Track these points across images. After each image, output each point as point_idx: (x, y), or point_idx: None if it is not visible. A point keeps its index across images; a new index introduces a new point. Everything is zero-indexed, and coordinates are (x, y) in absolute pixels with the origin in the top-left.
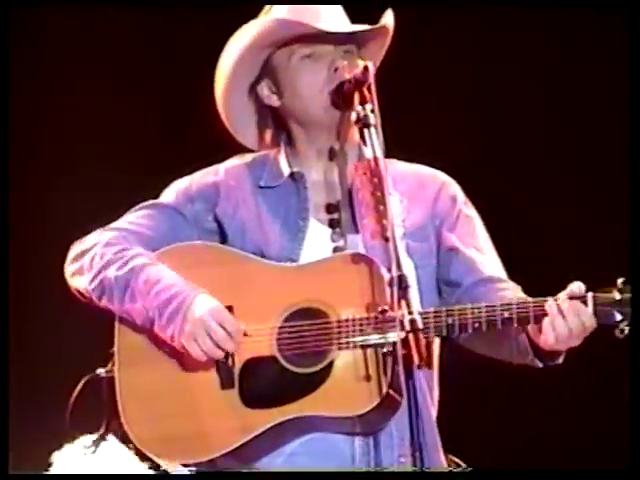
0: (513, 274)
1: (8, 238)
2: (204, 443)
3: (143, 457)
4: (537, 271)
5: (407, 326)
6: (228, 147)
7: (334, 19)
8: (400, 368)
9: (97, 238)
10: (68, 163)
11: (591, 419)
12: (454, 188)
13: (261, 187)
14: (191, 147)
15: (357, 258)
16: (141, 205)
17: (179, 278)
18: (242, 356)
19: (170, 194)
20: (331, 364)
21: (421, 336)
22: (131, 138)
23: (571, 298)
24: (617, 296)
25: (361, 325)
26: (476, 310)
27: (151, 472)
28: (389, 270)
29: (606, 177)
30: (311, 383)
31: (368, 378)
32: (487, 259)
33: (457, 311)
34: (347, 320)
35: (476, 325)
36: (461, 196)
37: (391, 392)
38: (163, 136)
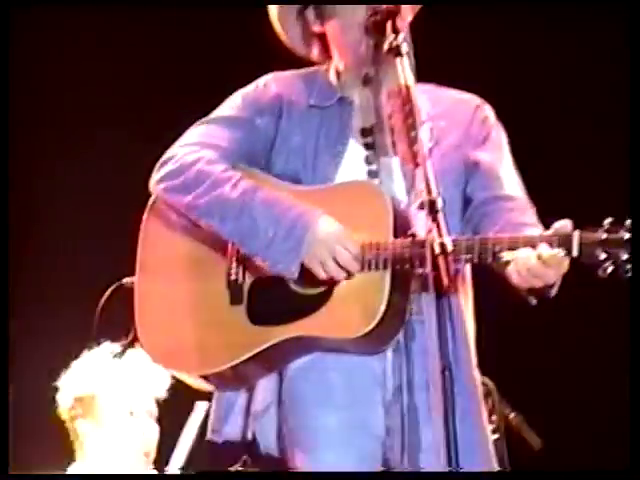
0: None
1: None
2: (210, 356)
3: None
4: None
5: (437, 249)
6: None
7: None
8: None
9: (194, 154)
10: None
11: (591, 419)
12: (487, 110)
13: (310, 106)
14: None
15: (366, 186)
16: (213, 117)
17: (294, 199)
18: (253, 273)
19: (237, 105)
20: (333, 286)
21: (450, 259)
22: (130, 135)
23: (557, 235)
24: (603, 235)
25: (394, 246)
26: (469, 241)
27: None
28: (429, 192)
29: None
30: (313, 304)
31: (367, 300)
32: (505, 176)
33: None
34: (370, 244)
35: (469, 256)
36: (493, 118)
37: (390, 311)
38: (164, 136)
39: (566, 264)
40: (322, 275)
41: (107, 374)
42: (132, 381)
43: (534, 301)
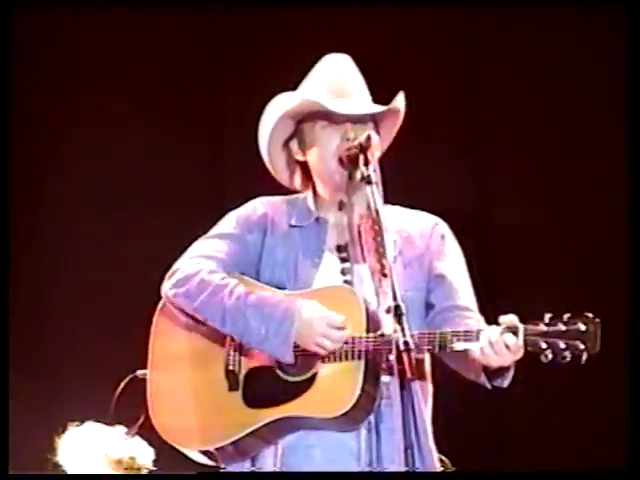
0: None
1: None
2: (213, 434)
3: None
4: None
5: (402, 346)
6: None
7: (355, 95)
8: (393, 379)
9: (197, 265)
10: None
11: (591, 419)
12: (444, 228)
13: (291, 225)
14: (190, 142)
15: (344, 290)
16: (213, 234)
17: (280, 297)
18: (248, 364)
19: (231, 224)
20: (315, 374)
21: (412, 354)
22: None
23: (507, 327)
24: (543, 328)
25: (367, 342)
26: (432, 335)
27: None
28: (394, 298)
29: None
30: (298, 390)
31: (344, 386)
32: (463, 290)
33: (426, 334)
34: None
35: (431, 347)
36: (449, 234)
37: (363, 396)
38: (162, 136)
39: (521, 352)
40: (321, 352)
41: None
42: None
43: (489, 385)
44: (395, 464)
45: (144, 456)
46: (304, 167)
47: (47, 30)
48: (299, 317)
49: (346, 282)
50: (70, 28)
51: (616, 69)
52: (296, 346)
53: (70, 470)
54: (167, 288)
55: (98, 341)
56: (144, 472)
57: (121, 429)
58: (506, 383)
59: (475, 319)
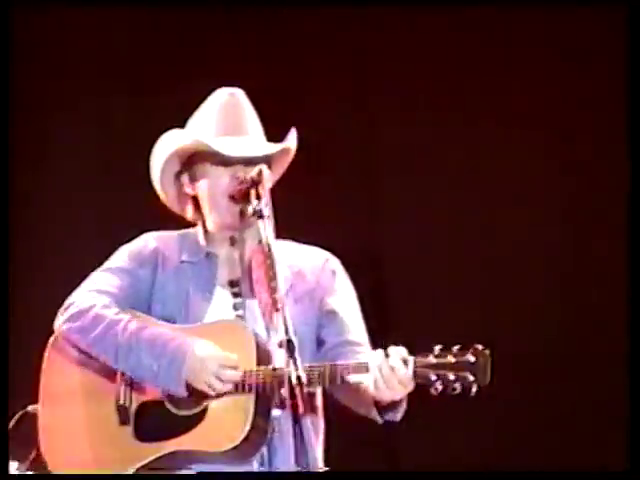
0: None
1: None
2: (105, 469)
3: None
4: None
5: (294, 380)
6: None
7: (247, 132)
8: (285, 413)
9: (91, 300)
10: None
11: (591, 419)
12: (335, 263)
13: (182, 261)
14: None
15: (234, 324)
16: (105, 268)
17: (173, 334)
18: (138, 398)
19: (123, 258)
20: (206, 408)
21: (304, 388)
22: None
23: (395, 361)
24: (433, 360)
25: (257, 375)
26: (322, 367)
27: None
28: (286, 333)
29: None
30: (189, 424)
31: (234, 420)
32: (354, 325)
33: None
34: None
35: (320, 380)
36: (340, 270)
37: (254, 430)
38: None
39: (411, 385)
40: (211, 392)
41: None
42: None
43: (380, 420)
44: None
45: None
46: (195, 200)
47: (47, 29)
48: (191, 355)
49: (238, 317)
50: (69, 27)
51: (616, 69)
52: (187, 383)
53: None
54: (61, 322)
55: None
56: None
57: (14, 465)
58: (399, 416)
59: (366, 354)
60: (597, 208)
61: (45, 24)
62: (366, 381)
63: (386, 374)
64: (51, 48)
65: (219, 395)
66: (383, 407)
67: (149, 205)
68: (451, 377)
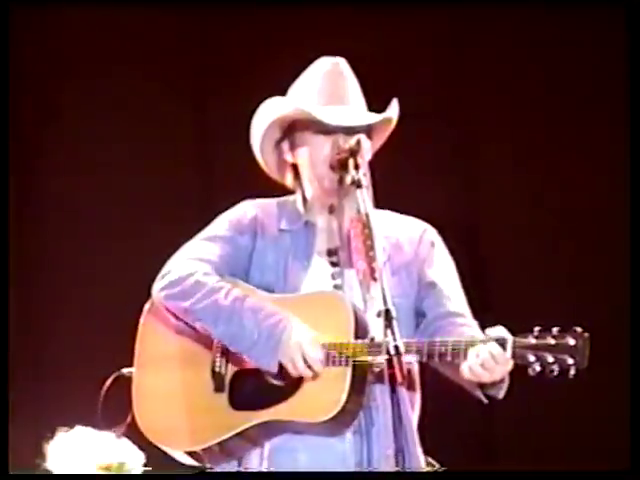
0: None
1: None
2: (198, 435)
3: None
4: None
5: (392, 351)
6: None
7: (349, 102)
8: (380, 384)
9: (192, 267)
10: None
11: (591, 419)
12: (433, 234)
13: (281, 229)
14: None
15: (332, 295)
16: (205, 236)
17: (275, 307)
18: (234, 367)
19: (223, 226)
20: (302, 378)
21: (403, 359)
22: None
23: (495, 339)
24: (532, 341)
25: (355, 346)
26: (419, 344)
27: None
28: (385, 303)
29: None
30: (285, 393)
31: (331, 391)
32: (454, 296)
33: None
34: (335, 344)
35: (419, 356)
36: (439, 241)
37: (350, 401)
38: (163, 135)
39: (510, 365)
40: (293, 372)
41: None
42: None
43: (485, 400)
44: (381, 468)
45: (133, 461)
46: (294, 168)
47: (46, 28)
48: (290, 332)
49: (336, 286)
50: (69, 26)
51: (615, 69)
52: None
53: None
54: (158, 289)
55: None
56: None
57: (110, 434)
58: (501, 394)
59: (468, 325)
60: None
61: (45, 24)
62: (464, 367)
63: (485, 359)
64: (51, 48)
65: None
66: (485, 386)
67: (149, 204)
68: (550, 359)
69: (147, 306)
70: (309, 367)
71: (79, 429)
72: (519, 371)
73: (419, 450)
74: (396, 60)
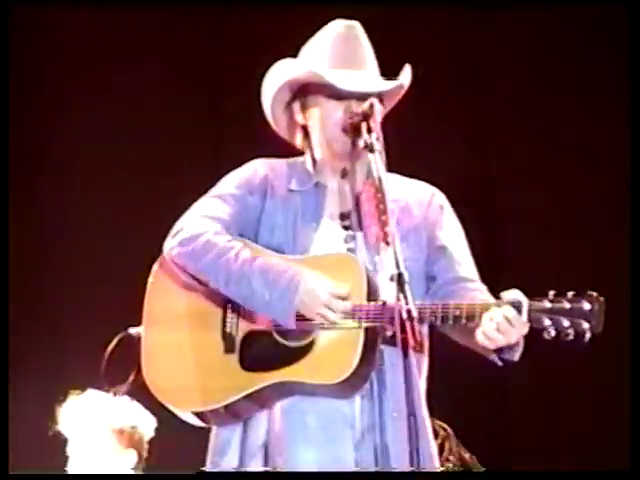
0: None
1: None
2: (208, 396)
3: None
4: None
5: (405, 315)
6: None
7: (363, 67)
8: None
9: (203, 226)
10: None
11: (591, 419)
12: (442, 198)
13: (290, 190)
14: (188, 141)
15: (346, 257)
16: (215, 194)
17: (285, 264)
18: (245, 328)
19: (233, 183)
20: (314, 340)
21: (416, 323)
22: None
23: (510, 303)
24: (547, 305)
25: (368, 310)
26: (434, 306)
27: None
28: (397, 267)
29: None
30: (296, 355)
31: (343, 353)
32: (465, 260)
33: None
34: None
35: (433, 319)
36: (447, 205)
37: (362, 364)
38: (163, 137)
39: (526, 327)
40: (323, 322)
41: (134, 411)
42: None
43: (500, 362)
44: (389, 431)
45: (145, 425)
46: (304, 129)
47: (46, 28)
48: (304, 285)
49: (349, 249)
50: (69, 26)
51: (616, 69)
52: (297, 314)
53: (71, 439)
54: (170, 247)
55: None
56: (146, 440)
57: (121, 397)
58: (517, 356)
59: (479, 290)
60: None
61: (45, 24)
62: (479, 332)
63: (500, 322)
64: (51, 47)
65: (329, 327)
66: (500, 349)
67: (149, 205)
68: (565, 323)
69: (155, 266)
70: (335, 311)
71: (91, 392)
72: (519, 371)
73: (426, 416)
74: (403, 26)
